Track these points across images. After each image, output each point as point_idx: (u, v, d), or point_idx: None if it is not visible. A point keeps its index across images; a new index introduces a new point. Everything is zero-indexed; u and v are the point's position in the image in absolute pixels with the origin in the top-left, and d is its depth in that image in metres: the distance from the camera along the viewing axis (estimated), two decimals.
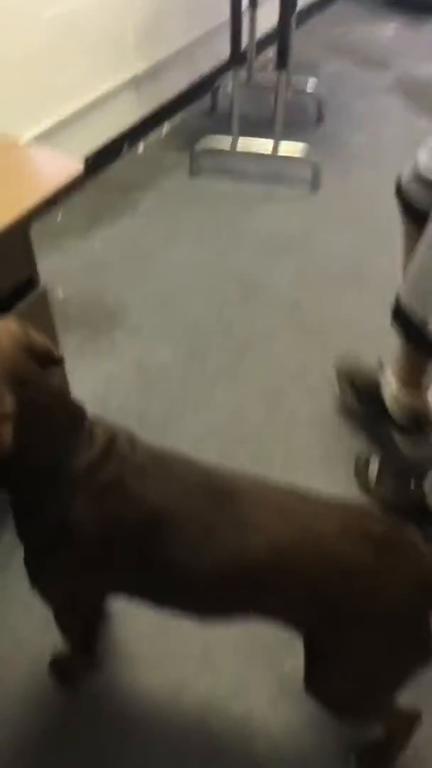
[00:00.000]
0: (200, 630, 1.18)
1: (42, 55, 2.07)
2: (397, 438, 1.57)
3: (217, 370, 1.82)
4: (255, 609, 0.90)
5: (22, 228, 1.16)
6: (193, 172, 2.52)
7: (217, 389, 1.77)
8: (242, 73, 2.52)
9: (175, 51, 2.64)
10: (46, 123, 2.17)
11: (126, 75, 2.44)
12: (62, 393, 0.89)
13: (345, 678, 0.91)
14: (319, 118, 2.84)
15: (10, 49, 1.95)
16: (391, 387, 1.54)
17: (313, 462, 1.60)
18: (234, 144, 2.48)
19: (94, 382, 1.76)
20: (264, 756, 1.16)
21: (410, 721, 1.07)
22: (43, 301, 1.31)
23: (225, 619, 0.97)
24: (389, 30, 3.58)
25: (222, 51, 2.85)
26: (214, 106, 2.93)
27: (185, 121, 2.85)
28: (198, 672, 1.25)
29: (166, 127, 2.80)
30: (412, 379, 1.51)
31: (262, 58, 3.18)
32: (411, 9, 3.61)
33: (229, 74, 2.78)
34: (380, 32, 3.57)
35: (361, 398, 1.65)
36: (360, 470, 1.53)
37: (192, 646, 1.29)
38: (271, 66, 3.03)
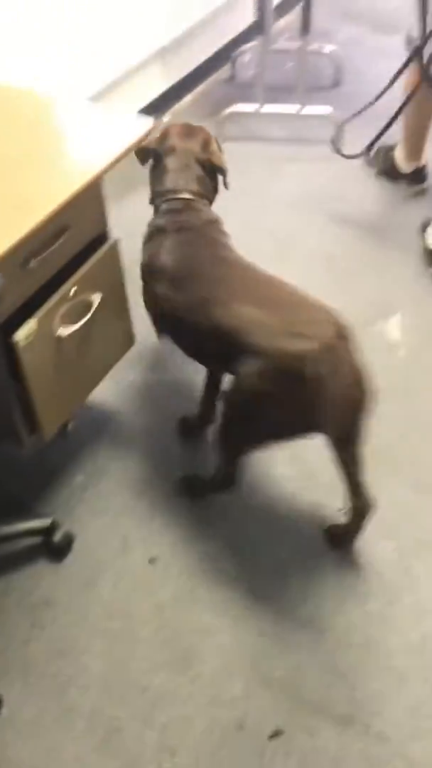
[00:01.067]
0: (267, 545, 1.33)
1: (81, 32, 2.18)
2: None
3: None
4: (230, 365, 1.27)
5: (98, 183, 1.29)
6: (221, 138, 2.63)
7: None
8: (264, 40, 2.61)
9: (199, 21, 2.73)
10: (89, 92, 2.28)
11: (154, 47, 2.54)
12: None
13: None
14: (337, 83, 2.93)
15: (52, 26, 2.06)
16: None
17: None
18: (258, 109, 2.58)
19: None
20: (333, 647, 1.30)
21: (367, 508, 1.40)
22: (114, 252, 1.44)
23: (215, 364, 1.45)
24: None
25: (239, 21, 2.96)
26: (233, 76, 3.02)
27: (207, 90, 2.95)
28: (269, 581, 1.40)
29: (189, 97, 2.90)
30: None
31: (279, 25, 3.27)
32: None
33: (246, 44, 2.89)
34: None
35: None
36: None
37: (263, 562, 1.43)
38: (287, 34, 3.14)
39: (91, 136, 1.34)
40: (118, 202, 2.32)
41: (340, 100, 2.77)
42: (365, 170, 2.44)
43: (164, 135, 1.58)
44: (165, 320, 1.45)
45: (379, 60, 3.09)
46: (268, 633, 1.34)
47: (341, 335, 1.26)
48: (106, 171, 1.23)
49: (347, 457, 1.37)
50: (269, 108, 2.58)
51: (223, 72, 3.03)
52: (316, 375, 1.18)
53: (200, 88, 2.95)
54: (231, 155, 2.55)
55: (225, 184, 1.67)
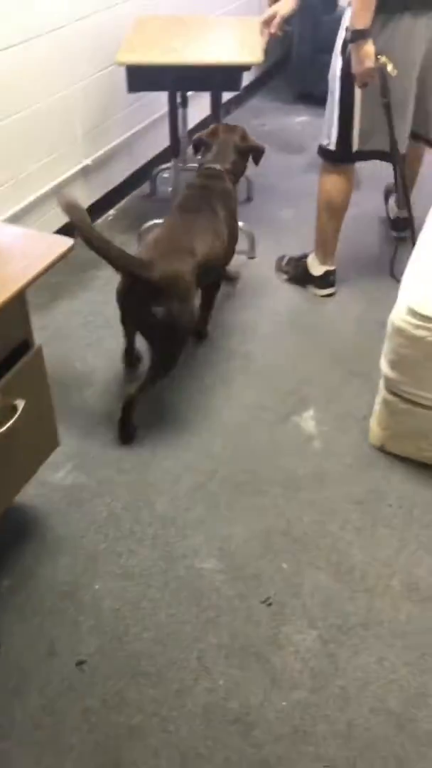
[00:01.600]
0: (194, 641, 1.37)
1: (6, 153, 2.34)
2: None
3: (186, 413, 2.04)
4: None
5: (20, 298, 1.37)
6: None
7: (185, 431, 1.98)
8: (178, 161, 2.84)
9: (118, 143, 2.97)
10: (11, 211, 2.42)
11: (77, 166, 2.74)
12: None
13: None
14: (249, 198, 3.19)
15: None
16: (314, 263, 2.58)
17: (278, 487, 1.82)
18: None
19: (68, 439, 1.94)
20: (262, 741, 1.32)
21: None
22: (38, 359, 1.51)
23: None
24: (301, 120, 4.06)
25: (158, 141, 3.22)
26: (153, 192, 3.25)
27: (128, 206, 3.16)
28: (196, 679, 1.41)
29: (112, 212, 3.09)
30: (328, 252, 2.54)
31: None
32: (317, 102, 4.11)
33: (166, 162, 3.13)
34: (294, 122, 4.04)
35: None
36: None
37: (188, 657, 1.45)
38: None
39: (13, 254, 1.44)
40: (43, 310, 2.42)
41: (252, 214, 3.02)
42: (279, 281, 2.64)
43: (213, 131, 2.32)
44: None
45: (287, 177, 3.41)
46: (197, 731, 1.34)
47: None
48: (25, 288, 1.31)
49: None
50: None
51: (144, 188, 3.26)
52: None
53: (122, 204, 3.16)
54: None
55: (257, 162, 2.39)
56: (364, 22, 1.99)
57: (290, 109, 4.19)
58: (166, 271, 1.77)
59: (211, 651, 1.47)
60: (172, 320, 1.79)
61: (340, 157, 2.33)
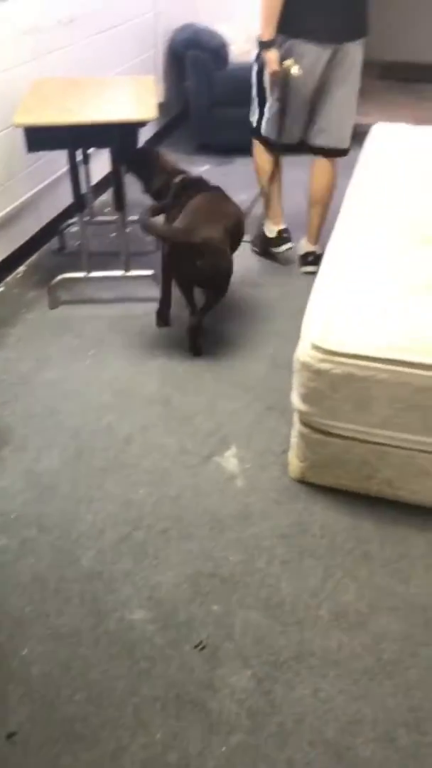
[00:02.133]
0: (129, 695, 1.34)
1: None
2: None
3: (104, 465, 2.03)
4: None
5: None
6: (52, 304, 2.81)
7: (107, 482, 1.97)
8: (85, 215, 2.88)
9: (24, 201, 2.98)
10: None
11: None
12: None
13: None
14: (158, 247, 3.26)
15: None
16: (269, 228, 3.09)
17: (204, 529, 1.83)
18: (87, 275, 2.80)
19: None
20: None
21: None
22: None
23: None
24: (204, 169, 4.19)
25: (64, 197, 3.25)
26: (63, 246, 3.27)
27: (39, 261, 3.16)
28: (132, 735, 1.38)
29: (22, 268, 3.08)
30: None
31: (102, 199, 3.63)
32: (218, 153, 4.28)
33: (74, 217, 3.16)
34: (197, 172, 4.17)
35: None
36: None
37: (123, 713, 1.42)
38: (108, 208, 3.48)
39: None
40: None
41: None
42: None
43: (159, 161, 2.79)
44: None
45: None
46: None
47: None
48: None
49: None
50: (96, 274, 2.82)
51: (54, 243, 3.28)
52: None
53: (32, 259, 3.16)
54: (65, 319, 2.74)
55: None
56: (267, 35, 2.61)
57: (192, 160, 4.32)
58: (203, 235, 2.33)
59: (146, 704, 1.44)
60: (214, 270, 2.41)
61: (257, 134, 2.98)
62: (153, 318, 2.67)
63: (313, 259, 2.98)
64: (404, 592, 1.67)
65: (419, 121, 4.79)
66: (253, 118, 2.98)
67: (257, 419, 2.20)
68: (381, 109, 5.16)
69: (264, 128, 2.91)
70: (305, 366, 1.76)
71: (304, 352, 1.76)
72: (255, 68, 2.88)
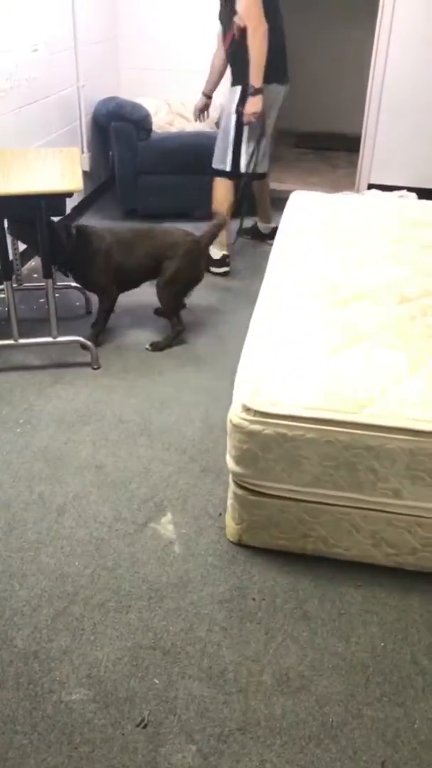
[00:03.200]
0: None
1: None
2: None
3: (37, 537, 1.97)
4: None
5: None
6: None
7: (41, 555, 1.91)
8: (13, 282, 2.88)
9: None
10: None
11: None
12: None
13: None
14: (89, 311, 3.27)
15: None
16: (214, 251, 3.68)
17: (143, 599, 1.79)
18: (16, 341, 2.78)
19: None
20: None
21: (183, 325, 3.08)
22: None
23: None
24: None
25: None
26: None
27: None
28: None
29: None
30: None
31: (30, 266, 3.64)
32: (144, 218, 4.38)
33: (2, 284, 3.15)
34: None
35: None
36: None
37: None
38: (36, 274, 3.49)
39: None
40: None
41: (89, 325, 3.09)
42: (123, 388, 2.69)
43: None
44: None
45: None
46: None
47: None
48: None
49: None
50: (25, 341, 2.80)
51: None
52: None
53: None
54: None
55: None
56: (259, 83, 3.34)
57: (120, 226, 4.41)
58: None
59: None
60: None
61: (231, 175, 3.63)
62: (84, 383, 2.66)
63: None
64: (344, 650, 1.68)
65: (334, 186, 5.08)
66: (224, 163, 3.62)
67: (193, 482, 2.20)
68: (297, 177, 5.44)
69: (245, 166, 3.60)
70: (237, 428, 1.79)
71: (235, 414, 1.79)
72: (234, 118, 3.50)
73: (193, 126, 4.72)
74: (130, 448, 2.35)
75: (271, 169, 4.04)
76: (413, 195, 4.52)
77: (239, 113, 3.45)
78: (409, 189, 4.71)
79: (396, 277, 2.38)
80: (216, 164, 3.66)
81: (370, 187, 4.95)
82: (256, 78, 3.34)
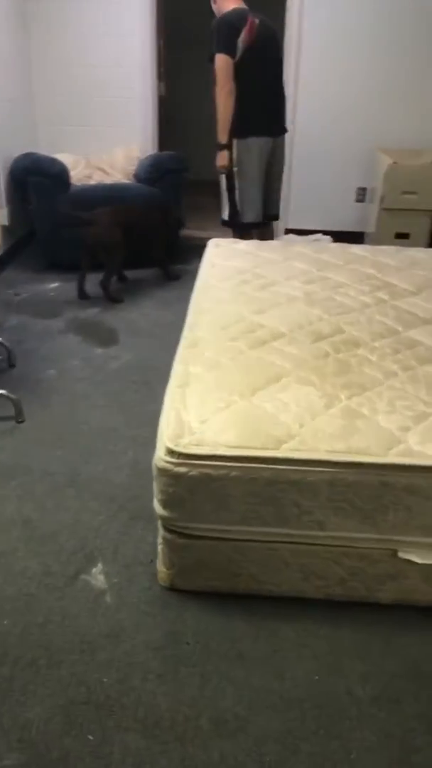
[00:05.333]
0: None
1: None
2: None
3: None
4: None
5: None
6: None
7: None
8: None
9: None
10: None
11: None
12: None
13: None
14: (12, 364, 3.25)
15: None
16: None
17: (74, 653, 1.75)
18: None
19: None
20: None
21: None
22: None
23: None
24: (54, 286, 4.29)
25: None
26: None
27: None
28: None
29: None
30: None
31: None
32: (65, 269, 4.41)
33: None
34: (47, 288, 4.26)
35: None
36: None
37: None
38: None
39: None
40: None
41: (16, 379, 3.07)
42: (49, 440, 2.67)
43: None
44: None
45: (46, 340, 3.54)
46: None
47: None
48: None
49: None
50: None
51: None
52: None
53: None
54: None
55: None
56: (223, 139, 3.69)
57: (42, 278, 4.42)
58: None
59: None
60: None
61: (232, 223, 3.98)
62: (9, 437, 2.63)
63: None
64: (280, 687, 1.69)
65: None
66: (223, 213, 3.97)
67: (123, 530, 2.19)
68: (216, 224, 5.60)
69: (247, 215, 3.92)
70: (163, 472, 1.81)
71: (160, 458, 1.81)
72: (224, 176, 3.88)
73: (113, 179, 4.83)
74: (58, 500, 2.33)
75: (275, 211, 4.26)
76: (328, 238, 4.74)
77: (228, 176, 3.85)
78: (325, 232, 4.94)
79: (309, 317, 2.48)
80: (222, 217, 4.02)
81: (288, 231, 5.16)
82: (219, 133, 3.67)
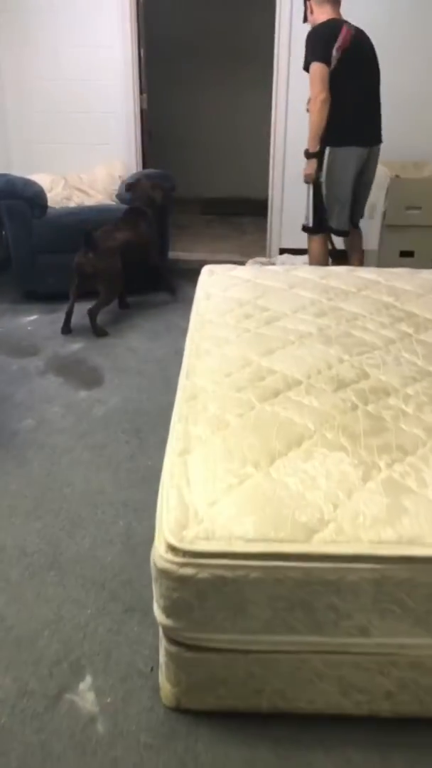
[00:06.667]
0: None
1: None
2: None
3: None
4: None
5: None
6: None
7: None
8: None
9: None
10: None
11: None
12: None
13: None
14: None
15: None
16: None
17: None
18: None
19: None
20: None
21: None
22: None
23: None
24: (31, 319, 3.92)
25: None
26: None
27: None
28: None
29: None
30: None
31: None
32: (44, 299, 4.04)
33: None
34: (24, 322, 3.89)
35: None
36: None
37: None
38: None
39: None
40: None
41: None
42: (26, 508, 2.29)
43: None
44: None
45: (23, 383, 3.16)
46: None
47: None
48: None
49: None
50: None
51: None
52: None
53: None
54: None
55: None
56: (314, 148, 3.62)
57: (19, 309, 4.06)
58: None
59: None
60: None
61: (316, 230, 3.87)
62: None
63: None
64: None
65: (244, 252, 4.93)
66: (307, 220, 3.86)
67: (115, 628, 1.81)
68: (206, 245, 5.27)
69: (334, 222, 3.81)
70: (164, 573, 1.43)
71: (160, 556, 1.44)
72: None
73: (94, 200, 4.49)
74: (37, 588, 1.94)
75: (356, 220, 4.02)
76: (301, 258, 4.42)
77: (315, 183, 3.75)
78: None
79: (327, 358, 2.12)
80: (304, 221, 3.91)
81: (282, 251, 4.84)
82: (310, 142, 3.62)
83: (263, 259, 4.63)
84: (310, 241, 3.95)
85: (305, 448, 1.66)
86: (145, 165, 4.86)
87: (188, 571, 1.41)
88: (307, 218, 3.87)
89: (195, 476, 1.59)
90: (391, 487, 1.53)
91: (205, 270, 3.03)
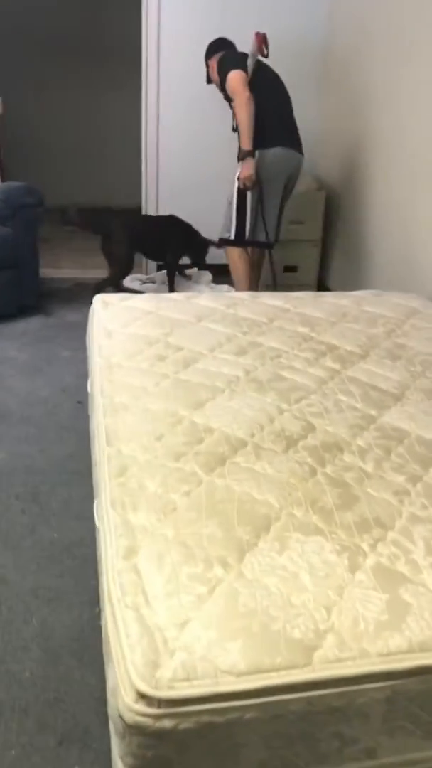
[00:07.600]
0: None
1: None
2: None
3: None
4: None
5: None
6: None
7: None
8: None
9: None
10: None
11: None
12: None
13: None
14: None
15: None
16: None
17: None
18: None
19: None
20: None
21: None
22: None
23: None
24: None
25: None
26: None
27: None
28: None
29: None
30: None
31: None
32: None
33: None
34: None
35: None
36: None
37: None
38: None
39: None
40: None
41: None
42: None
43: None
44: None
45: None
46: None
47: None
48: None
49: None
50: None
51: None
52: None
53: None
54: None
55: None
56: (247, 146, 3.34)
57: None
58: None
59: None
60: None
61: (238, 243, 3.59)
62: None
63: None
64: None
65: None
66: (229, 231, 3.55)
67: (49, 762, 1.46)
68: (75, 261, 4.88)
69: (259, 234, 3.56)
70: (135, 729, 1.12)
71: (129, 708, 1.13)
72: (236, 185, 3.48)
73: None
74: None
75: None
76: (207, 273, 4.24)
77: (238, 179, 3.46)
78: (209, 267, 4.42)
79: (266, 409, 1.89)
80: (222, 233, 3.60)
81: (160, 267, 4.57)
82: (244, 141, 3.34)
83: (142, 276, 4.33)
84: (230, 255, 3.67)
85: (276, 534, 1.42)
86: (3, 178, 4.37)
87: (167, 723, 1.11)
88: (227, 229, 3.57)
89: (153, 589, 1.28)
90: (383, 577, 1.32)
91: (97, 301, 2.70)
